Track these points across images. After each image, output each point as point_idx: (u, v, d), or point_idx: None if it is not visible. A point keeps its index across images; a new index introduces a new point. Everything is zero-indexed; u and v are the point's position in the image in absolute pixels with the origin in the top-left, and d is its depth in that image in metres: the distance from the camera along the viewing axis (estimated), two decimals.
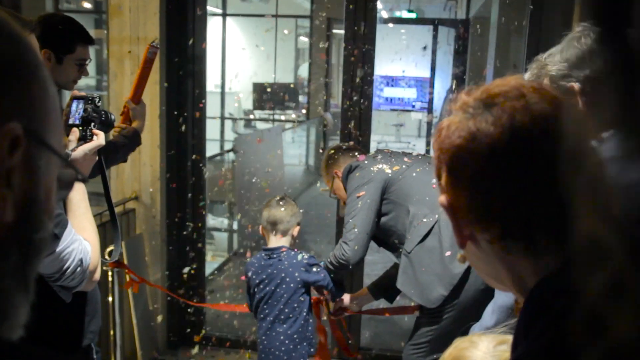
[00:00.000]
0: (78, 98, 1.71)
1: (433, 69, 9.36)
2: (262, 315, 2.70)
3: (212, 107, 3.92)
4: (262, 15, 10.50)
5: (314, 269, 2.65)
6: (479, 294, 2.24)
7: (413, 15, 9.90)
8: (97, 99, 1.71)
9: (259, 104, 10.11)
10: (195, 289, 3.85)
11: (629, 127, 0.41)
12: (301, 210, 2.92)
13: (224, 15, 9.35)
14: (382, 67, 10.83)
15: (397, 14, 10.47)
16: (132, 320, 3.41)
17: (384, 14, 10.31)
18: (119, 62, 3.41)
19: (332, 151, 2.85)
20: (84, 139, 1.62)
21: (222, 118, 9.63)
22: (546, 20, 3.24)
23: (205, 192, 3.90)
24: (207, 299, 4.09)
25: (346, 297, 2.86)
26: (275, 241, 2.72)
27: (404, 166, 2.54)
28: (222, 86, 9.67)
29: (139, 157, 3.47)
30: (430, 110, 10.19)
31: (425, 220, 2.39)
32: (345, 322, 3.41)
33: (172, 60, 3.52)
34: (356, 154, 2.75)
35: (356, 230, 2.48)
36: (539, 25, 3.28)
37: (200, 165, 3.80)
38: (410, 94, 11.19)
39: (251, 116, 11.01)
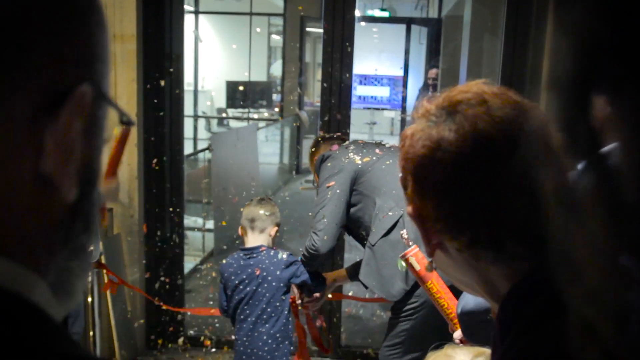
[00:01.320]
0: None
1: (406, 68, 9.42)
2: (242, 317, 2.67)
3: (185, 105, 3.89)
4: (235, 13, 10.45)
5: (294, 267, 2.66)
6: None
7: (386, 14, 9.95)
8: None
9: (232, 103, 10.06)
10: (174, 289, 3.82)
11: None
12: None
13: (197, 12, 9.27)
14: (355, 65, 10.86)
15: (370, 12, 10.52)
16: (111, 321, 3.36)
17: (357, 13, 10.34)
18: None
19: (315, 140, 2.90)
20: None
21: (196, 117, 9.56)
22: (522, 19, 3.28)
23: (183, 192, 3.87)
24: (185, 299, 4.06)
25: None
26: (254, 240, 2.71)
27: (374, 158, 2.53)
28: (195, 84, 9.60)
29: None
30: (403, 108, 10.25)
31: (390, 213, 2.39)
32: (324, 322, 3.41)
33: (149, 59, 3.48)
34: (335, 143, 2.77)
35: (325, 220, 2.49)
36: (514, 24, 3.32)
37: (179, 164, 3.77)
38: (383, 92, 11.25)
39: (224, 114, 10.94)
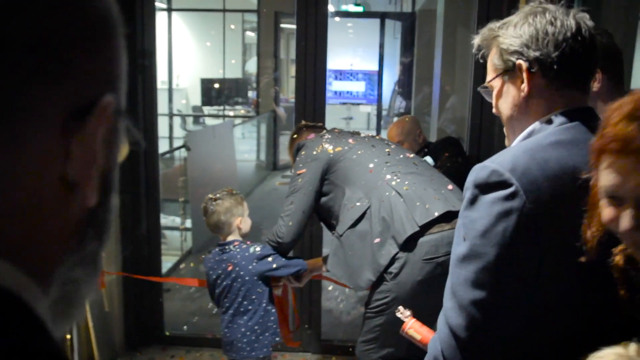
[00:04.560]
0: None
1: (381, 62, 9.45)
2: (223, 309, 2.70)
3: (160, 104, 3.85)
4: (209, 10, 10.39)
5: (269, 259, 2.65)
6: (416, 286, 2.20)
7: (360, 9, 9.96)
8: None
9: (207, 100, 10.00)
10: (151, 288, 3.79)
11: None
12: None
13: (169, 10, 9.20)
14: (330, 60, 10.86)
15: (344, 7, 10.52)
16: (89, 322, 3.33)
17: (331, 8, 10.34)
18: None
19: (297, 128, 2.92)
20: None
21: (171, 115, 9.49)
22: (493, 11, 3.31)
23: (158, 190, 3.84)
24: (164, 297, 4.03)
25: None
26: (226, 239, 2.72)
27: (346, 147, 2.53)
28: (170, 82, 9.53)
29: None
30: (379, 103, 10.28)
31: (358, 204, 2.39)
32: (295, 304, 3.38)
33: None
34: (313, 132, 2.78)
35: (292, 207, 2.52)
36: (486, 16, 3.35)
37: (153, 162, 3.74)
38: (359, 87, 11.27)
39: (200, 112, 10.88)
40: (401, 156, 2.51)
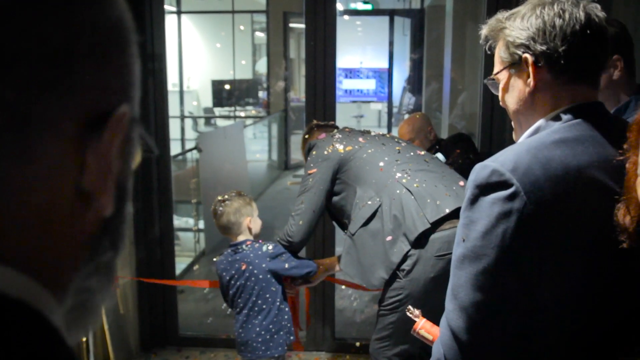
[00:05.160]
0: None
1: (391, 60, 9.42)
2: (237, 310, 2.70)
3: (171, 106, 3.86)
4: (218, 12, 10.42)
5: (281, 258, 2.66)
6: (429, 282, 2.22)
7: (369, 7, 9.95)
8: None
9: (218, 101, 10.03)
10: (165, 290, 3.81)
11: None
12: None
13: (179, 12, 9.24)
14: (340, 59, 10.87)
15: (353, 5, 10.51)
16: (104, 324, 3.35)
17: (340, 6, 10.33)
18: None
19: (309, 127, 2.92)
20: None
21: (182, 117, 9.53)
22: (502, 6, 3.29)
23: (171, 192, 3.86)
24: (177, 299, 4.05)
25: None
26: (237, 239, 2.73)
27: (356, 146, 2.53)
28: (181, 85, 9.57)
29: None
30: (390, 100, 10.26)
31: (369, 202, 2.39)
32: (309, 304, 3.38)
33: None
34: (324, 131, 2.78)
35: (303, 206, 2.53)
36: (495, 11, 3.33)
37: (166, 164, 3.76)
38: (369, 85, 11.25)
39: (211, 113, 10.92)
40: (411, 154, 2.51)
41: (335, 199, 2.56)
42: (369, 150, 2.51)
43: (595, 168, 1.13)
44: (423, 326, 1.72)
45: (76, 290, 0.49)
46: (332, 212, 2.66)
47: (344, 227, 2.62)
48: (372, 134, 2.68)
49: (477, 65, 3.84)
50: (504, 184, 1.11)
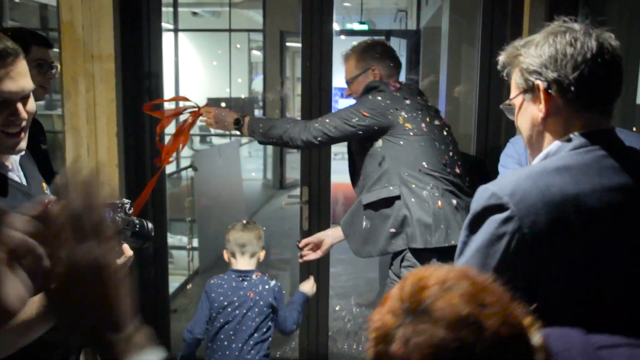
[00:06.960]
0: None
1: None
2: (226, 342, 2.64)
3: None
4: (215, 30, 10.47)
5: (282, 299, 2.78)
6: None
7: (365, 27, 10.02)
8: (127, 206, 1.53)
9: None
10: (158, 309, 3.78)
11: None
12: (264, 228, 2.92)
13: (176, 30, 9.28)
14: (336, 78, 10.91)
15: (349, 26, 10.59)
16: None
17: (336, 26, 10.40)
18: (73, 81, 3.34)
19: (377, 44, 2.74)
20: None
21: None
22: (497, 28, 3.32)
23: (166, 210, 3.84)
24: (171, 319, 4.01)
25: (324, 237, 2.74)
26: (244, 264, 2.72)
27: (415, 130, 2.45)
28: (177, 103, 9.58)
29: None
30: None
31: (391, 188, 2.42)
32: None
33: (128, 78, 3.46)
34: (395, 72, 2.70)
35: (328, 120, 2.48)
36: (489, 33, 3.36)
37: (161, 183, 3.74)
38: None
39: (207, 131, 10.92)
40: (455, 170, 2.50)
41: (370, 149, 2.50)
42: (422, 144, 2.44)
43: (598, 196, 1.15)
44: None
45: None
46: (355, 162, 2.62)
47: (356, 185, 2.63)
48: (436, 123, 2.56)
49: (472, 85, 3.85)
50: (500, 207, 1.16)
